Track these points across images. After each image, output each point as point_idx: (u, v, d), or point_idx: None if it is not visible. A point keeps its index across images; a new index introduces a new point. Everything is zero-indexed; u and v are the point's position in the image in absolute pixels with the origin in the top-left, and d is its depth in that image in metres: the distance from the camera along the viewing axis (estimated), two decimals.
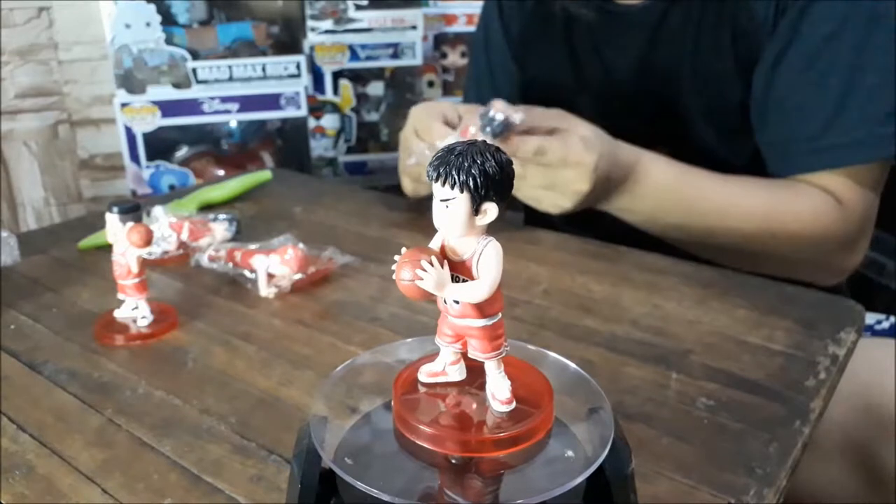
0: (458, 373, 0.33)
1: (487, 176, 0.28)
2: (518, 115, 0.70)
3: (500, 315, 0.31)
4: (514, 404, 0.31)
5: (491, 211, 0.29)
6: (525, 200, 0.76)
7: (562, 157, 0.70)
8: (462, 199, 0.28)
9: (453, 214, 0.29)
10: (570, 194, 0.73)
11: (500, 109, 0.70)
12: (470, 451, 0.30)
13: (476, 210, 0.29)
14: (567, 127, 0.72)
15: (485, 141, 0.29)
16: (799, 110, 0.77)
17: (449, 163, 0.28)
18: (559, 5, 0.92)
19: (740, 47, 0.80)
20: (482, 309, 0.30)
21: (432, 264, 0.29)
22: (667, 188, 0.77)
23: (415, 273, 0.29)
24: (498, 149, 0.29)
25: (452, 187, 0.28)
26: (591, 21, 0.90)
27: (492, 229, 0.30)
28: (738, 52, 0.80)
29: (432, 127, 0.75)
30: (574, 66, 0.94)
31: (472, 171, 0.28)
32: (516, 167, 0.29)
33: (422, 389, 0.33)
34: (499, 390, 0.31)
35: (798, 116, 0.77)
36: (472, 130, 0.71)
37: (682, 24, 0.84)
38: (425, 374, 0.33)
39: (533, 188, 0.74)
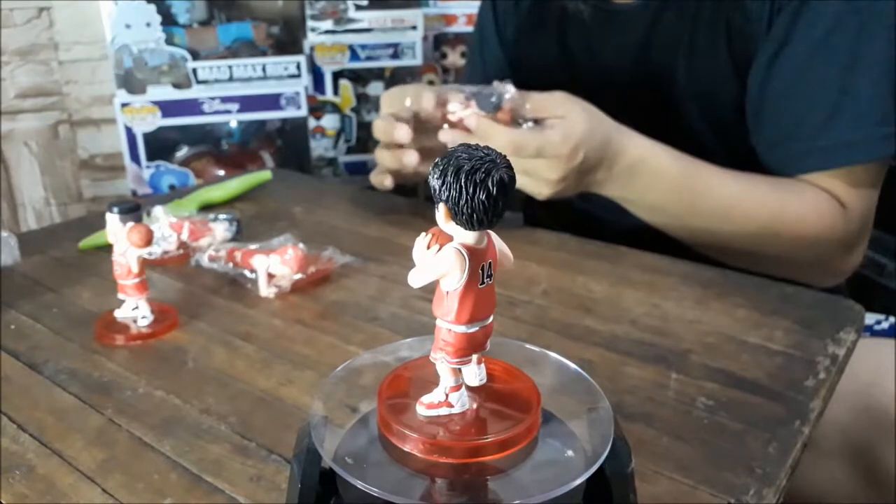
0: (471, 375, 0.33)
1: (434, 179, 0.28)
2: (509, 91, 0.73)
3: (451, 326, 0.30)
4: (436, 412, 0.31)
5: (439, 210, 0.29)
6: None
7: (536, 150, 0.70)
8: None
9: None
10: (544, 182, 0.73)
11: (496, 90, 0.73)
12: (452, 457, 0.30)
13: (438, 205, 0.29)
14: (563, 114, 0.72)
15: (496, 153, 0.29)
16: (796, 111, 0.77)
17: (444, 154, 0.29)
18: (555, 5, 0.92)
19: (735, 46, 0.80)
20: (437, 306, 0.30)
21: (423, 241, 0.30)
22: (674, 182, 0.76)
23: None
24: (488, 166, 0.28)
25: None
26: (587, 20, 0.90)
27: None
28: (733, 50, 0.80)
29: (387, 123, 0.76)
30: (569, 66, 0.94)
31: (436, 167, 0.28)
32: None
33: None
34: (430, 394, 0.31)
35: (795, 117, 0.77)
36: (469, 110, 0.73)
37: (676, 23, 0.84)
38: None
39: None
